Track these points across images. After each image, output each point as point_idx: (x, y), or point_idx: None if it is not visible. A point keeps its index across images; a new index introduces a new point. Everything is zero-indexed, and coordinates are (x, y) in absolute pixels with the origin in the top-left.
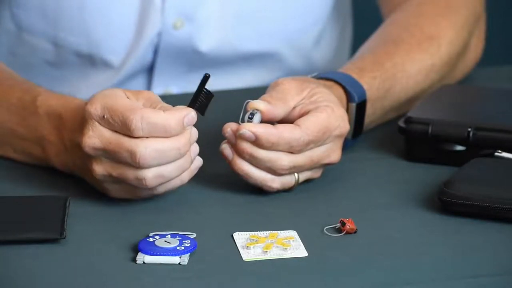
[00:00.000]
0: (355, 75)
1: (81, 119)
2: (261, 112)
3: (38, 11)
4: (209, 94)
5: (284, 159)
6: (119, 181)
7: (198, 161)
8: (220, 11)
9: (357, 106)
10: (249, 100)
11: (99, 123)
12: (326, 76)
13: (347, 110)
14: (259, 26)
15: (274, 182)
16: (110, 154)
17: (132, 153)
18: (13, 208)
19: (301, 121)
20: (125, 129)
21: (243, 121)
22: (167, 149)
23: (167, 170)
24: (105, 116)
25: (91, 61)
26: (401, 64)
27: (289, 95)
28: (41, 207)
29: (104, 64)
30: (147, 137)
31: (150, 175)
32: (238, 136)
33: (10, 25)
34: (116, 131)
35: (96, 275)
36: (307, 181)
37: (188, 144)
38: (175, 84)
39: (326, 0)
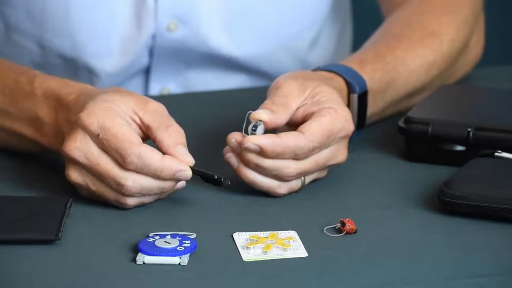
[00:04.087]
0: (355, 67)
1: (76, 110)
2: (264, 122)
3: (24, 10)
4: (219, 181)
5: (290, 167)
6: (95, 194)
7: (181, 185)
8: (214, 13)
9: (359, 97)
10: (250, 111)
11: (91, 138)
12: (326, 69)
13: (349, 101)
14: (254, 29)
15: (281, 188)
16: (94, 174)
17: (119, 184)
18: (13, 208)
19: (304, 127)
20: (117, 157)
21: (246, 132)
22: (153, 188)
23: (148, 199)
24: (100, 136)
25: (75, 65)
26: (403, 58)
27: (291, 98)
28: (41, 208)
29: (89, 70)
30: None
31: (131, 203)
32: (243, 149)
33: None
34: (105, 151)
35: (96, 275)
36: (321, 178)
37: (173, 185)
38: (173, 82)
39: (323, 3)
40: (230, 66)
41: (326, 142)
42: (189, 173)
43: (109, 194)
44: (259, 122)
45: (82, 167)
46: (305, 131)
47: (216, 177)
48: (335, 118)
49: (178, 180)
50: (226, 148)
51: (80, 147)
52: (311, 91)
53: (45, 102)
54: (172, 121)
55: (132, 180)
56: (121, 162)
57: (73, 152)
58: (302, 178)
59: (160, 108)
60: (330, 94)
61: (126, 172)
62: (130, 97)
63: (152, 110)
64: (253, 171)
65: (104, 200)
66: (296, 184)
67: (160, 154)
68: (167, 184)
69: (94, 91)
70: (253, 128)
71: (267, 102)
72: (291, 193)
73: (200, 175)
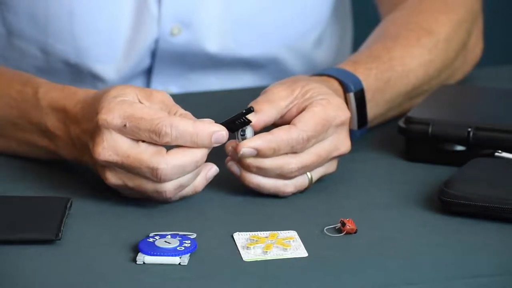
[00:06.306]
0: (349, 68)
1: (90, 117)
2: (251, 124)
3: (27, 16)
4: (246, 121)
5: (291, 162)
6: (135, 190)
7: (213, 170)
8: (218, 17)
9: (355, 95)
10: None
11: (117, 132)
12: (319, 73)
13: (346, 101)
14: (258, 31)
15: (288, 186)
16: (127, 168)
17: (153, 170)
18: (13, 208)
19: (297, 119)
20: (152, 137)
21: (238, 139)
22: (187, 164)
23: (185, 179)
24: (127, 125)
25: (78, 70)
26: (400, 58)
27: (278, 97)
28: (42, 208)
29: (92, 75)
30: (167, 150)
31: (170, 187)
32: (240, 156)
33: (1, 29)
34: (134, 140)
35: (96, 275)
36: (322, 178)
37: (205, 157)
38: (175, 84)
39: (325, 3)
40: (234, 68)
41: (321, 131)
42: (225, 133)
43: (148, 186)
44: (245, 127)
45: (116, 166)
46: (297, 123)
47: (241, 115)
48: (327, 107)
49: (214, 145)
50: (227, 158)
51: (107, 146)
52: (300, 90)
53: (52, 115)
54: (179, 109)
55: (164, 162)
56: (157, 138)
57: (102, 154)
58: (309, 174)
59: (165, 97)
60: (320, 89)
61: (158, 156)
62: (134, 90)
63: (158, 101)
64: (256, 175)
65: (145, 197)
66: (302, 181)
67: (192, 121)
68: (199, 155)
69: (98, 94)
70: (242, 133)
71: (251, 103)
72: (299, 192)
73: (228, 125)
